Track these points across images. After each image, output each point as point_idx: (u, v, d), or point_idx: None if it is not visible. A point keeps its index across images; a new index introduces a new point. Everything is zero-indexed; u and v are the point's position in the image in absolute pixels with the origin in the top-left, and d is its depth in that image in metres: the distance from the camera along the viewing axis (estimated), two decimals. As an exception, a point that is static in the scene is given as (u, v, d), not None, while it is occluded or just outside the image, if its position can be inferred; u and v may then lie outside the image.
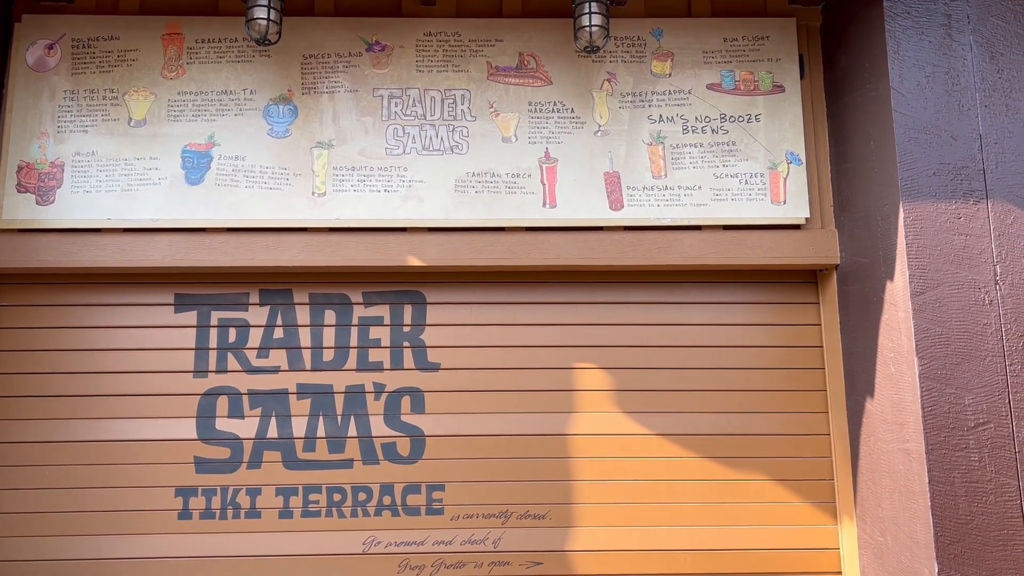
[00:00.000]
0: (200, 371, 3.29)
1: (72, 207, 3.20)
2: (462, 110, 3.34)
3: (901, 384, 2.84)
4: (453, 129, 3.33)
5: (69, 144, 3.25)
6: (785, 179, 3.31)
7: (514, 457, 3.28)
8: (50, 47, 3.31)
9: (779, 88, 3.38)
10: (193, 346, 3.30)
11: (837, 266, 3.29)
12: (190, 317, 3.32)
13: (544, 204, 3.28)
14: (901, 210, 2.84)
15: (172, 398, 3.26)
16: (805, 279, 3.42)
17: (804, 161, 3.33)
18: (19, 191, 3.20)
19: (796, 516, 3.27)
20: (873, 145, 3.03)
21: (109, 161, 3.24)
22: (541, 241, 3.26)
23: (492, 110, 3.34)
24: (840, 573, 3.23)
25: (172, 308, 3.32)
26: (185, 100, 3.30)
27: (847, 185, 3.25)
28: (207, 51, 3.34)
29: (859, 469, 3.16)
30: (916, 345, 2.76)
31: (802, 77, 3.42)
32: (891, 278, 2.90)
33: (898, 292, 2.86)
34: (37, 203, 3.20)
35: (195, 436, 3.24)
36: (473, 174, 3.29)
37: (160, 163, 3.25)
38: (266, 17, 2.99)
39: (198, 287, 3.34)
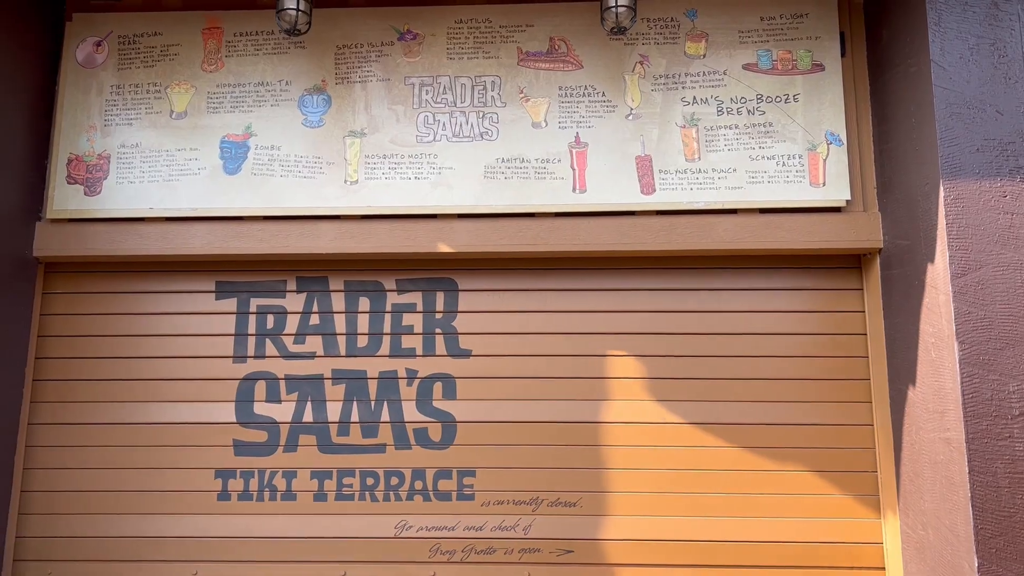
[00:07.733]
0: (239, 356, 3.37)
1: (117, 197, 3.32)
2: (492, 96, 3.33)
3: (942, 370, 2.71)
4: (483, 115, 3.32)
5: (115, 137, 3.37)
6: (825, 160, 3.20)
7: (545, 444, 3.26)
8: (98, 44, 3.44)
9: (819, 67, 3.26)
10: (233, 332, 3.39)
11: (881, 250, 3.17)
12: (230, 304, 3.41)
13: (574, 189, 3.25)
14: (941, 188, 2.71)
15: (212, 382, 3.35)
16: (847, 264, 3.30)
17: (845, 141, 3.21)
18: (69, 183, 3.34)
19: (837, 509, 3.16)
20: (914, 122, 2.90)
21: (152, 152, 3.35)
22: (572, 226, 3.23)
23: (522, 95, 3.32)
24: (883, 569, 3.11)
25: (213, 295, 3.41)
26: (224, 92, 3.39)
27: (890, 166, 3.12)
28: (245, 44, 3.41)
29: (902, 460, 3.03)
30: (956, 329, 2.63)
31: (843, 55, 3.30)
32: (932, 260, 2.77)
33: (938, 274, 2.73)
34: (85, 194, 3.33)
35: (234, 420, 3.33)
36: (503, 160, 3.28)
37: (200, 154, 3.34)
38: (295, 7, 3.04)
39: (238, 274, 3.42)
